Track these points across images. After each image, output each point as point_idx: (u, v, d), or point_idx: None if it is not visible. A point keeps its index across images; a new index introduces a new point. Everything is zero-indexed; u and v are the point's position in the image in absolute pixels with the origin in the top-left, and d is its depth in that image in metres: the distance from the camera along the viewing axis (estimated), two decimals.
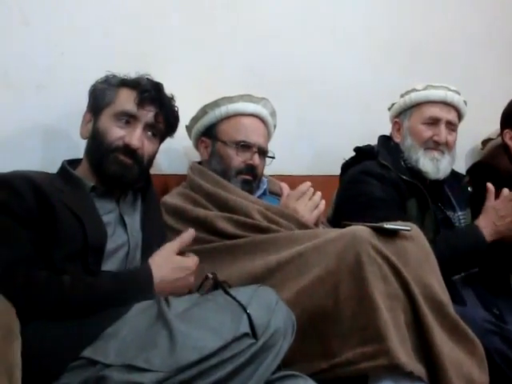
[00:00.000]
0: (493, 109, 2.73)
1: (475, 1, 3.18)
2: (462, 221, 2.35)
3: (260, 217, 1.93)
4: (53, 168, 1.82)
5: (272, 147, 2.21)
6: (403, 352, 1.57)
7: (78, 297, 1.50)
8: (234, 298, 1.43)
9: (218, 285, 1.52)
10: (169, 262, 1.62)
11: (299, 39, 2.63)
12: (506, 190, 2.15)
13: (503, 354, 1.82)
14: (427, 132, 2.32)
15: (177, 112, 1.89)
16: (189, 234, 1.68)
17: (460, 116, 2.39)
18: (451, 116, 2.34)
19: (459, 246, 2.10)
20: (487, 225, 2.12)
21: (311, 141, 2.64)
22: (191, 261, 1.66)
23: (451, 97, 2.32)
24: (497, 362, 1.80)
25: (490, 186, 2.17)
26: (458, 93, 2.35)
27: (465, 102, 2.37)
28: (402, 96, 2.39)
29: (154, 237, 1.79)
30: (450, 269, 1.86)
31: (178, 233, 1.78)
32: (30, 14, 2.00)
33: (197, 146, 2.22)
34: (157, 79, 1.86)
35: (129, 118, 1.77)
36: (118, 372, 1.30)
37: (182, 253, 1.67)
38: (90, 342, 1.38)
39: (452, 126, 2.35)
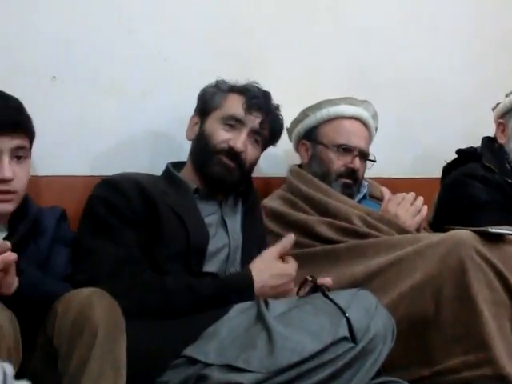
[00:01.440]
0: None
1: None
2: None
3: (360, 222, 1.92)
4: (158, 170, 1.88)
5: (373, 150, 2.19)
6: (509, 362, 1.52)
7: (179, 298, 1.54)
8: (333, 302, 1.43)
9: (317, 288, 1.53)
10: (269, 268, 1.62)
11: (401, 40, 2.58)
12: None
13: None
14: None
15: (282, 121, 1.92)
16: (289, 239, 1.68)
17: None
18: None
19: None
20: None
21: (413, 143, 2.59)
22: (291, 267, 1.66)
23: None
24: None
25: None
26: None
27: None
28: (507, 96, 2.30)
29: (254, 239, 1.81)
30: None
31: (277, 236, 1.80)
32: (134, 22, 2.06)
33: (297, 149, 2.23)
34: (258, 82, 1.89)
35: (235, 123, 1.80)
36: (218, 371, 1.33)
37: (281, 258, 1.67)
38: (191, 342, 1.42)
39: None
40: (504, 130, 2.30)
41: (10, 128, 1.47)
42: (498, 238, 1.67)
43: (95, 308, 1.26)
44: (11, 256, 1.28)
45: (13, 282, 1.31)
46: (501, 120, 2.32)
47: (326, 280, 1.58)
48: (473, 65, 2.72)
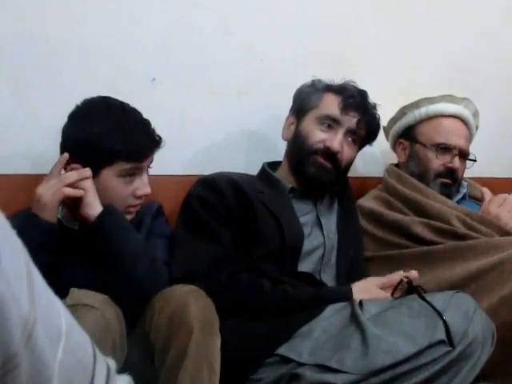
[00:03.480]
0: None
1: None
2: None
3: (459, 223, 1.87)
4: (253, 170, 1.90)
5: (473, 149, 2.13)
6: None
7: (275, 304, 1.55)
8: (430, 304, 1.41)
9: (413, 289, 1.50)
10: (370, 292, 1.59)
11: (503, 34, 2.49)
12: None
13: None
14: None
15: (378, 120, 1.90)
16: (398, 275, 1.60)
17: None
18: None
19: None
20: None
21: None
22: (388, 296, 1.59)
23: None
24: None
25: None
26: None
27: None
28: None
29: (349, 240, 1.80)
30: None
31: (373, 236, 1.78)
32: (232, 23, 2.10)
33: (394, 148, 2.20)
34: (354, 81, 1.87)
35: (331, 123, 1.80)
36: (311, 371, 1.34)
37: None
38: (285, 341, 1.43)
39: None
40: None
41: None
42: None
43: (191, 306, 1.30)
44: (87, 172, 1.45)
45: (94, 202, 1.46)
46: None
47: (411, 273, 1.55)
48: None
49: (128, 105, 1.59)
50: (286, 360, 1.40)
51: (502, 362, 1.53)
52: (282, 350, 1.42)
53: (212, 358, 1.29)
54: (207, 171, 1.85)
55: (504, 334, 1.52)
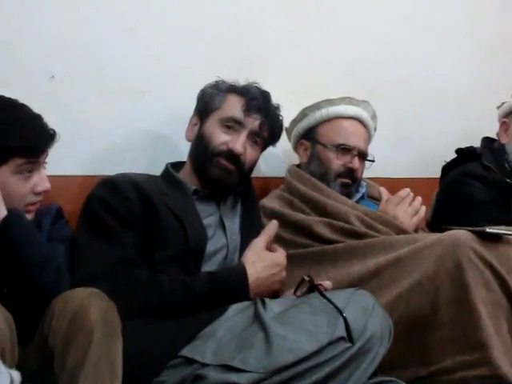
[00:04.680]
0: None
1: None
2: None
3: (358, 222, 1.92)
4: (156, 170, 1.89)
5: (372, 150, 2.19)
6: (506, 362, 1.53)
7: (176, 296, 1.55)
8: (330, 301, 1.43)
9: (314, 288, 1.53)
10: (261, 260, 1.64)
11: (400, 40, 2.59)
12: None
13: None
14: None
15: (281, 122, 1.92)
16: (272, 225, 1.70)
17: None
18: None
19: None
20: None
21: (411, 143, 2.59)
22: (281, 255, 1.69)
23: None
24: None
25: None
26: None
27: None
28: None
29: (252, 240, 1.81)
30: None
31: (275, 236, 1.80)
32: (133, 21, 2.07)
33: (296, 149, 2.23)
34: (258, 81, 1.89)
35: (234, 124, 1.81)
36: (215, 371, 1.34)
37: (269, 248, 1.70)
38: (188, 342, 1.43)
39: None
40: (507, 129, 2.30)
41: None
42: (496, 239, 1.66)
43: (91, 308, 1.27)
44: None
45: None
46: (505, 119, 2.32)
47: (326, 283, 1.59)
48: (472, 64, 2.72)
49: (17, 101, 1.53)
50: (190, 361, 1.39)
51: (399, 354, 1.58)
52: (186, 352, 1.41)
53: (114, 360, 1.26)
54: (108, 172, 1.82)
55: (400, 327, 1.58)
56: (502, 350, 1.53)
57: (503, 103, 2.34)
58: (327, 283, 1.59)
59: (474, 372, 1.52)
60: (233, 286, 1.59)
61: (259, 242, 1.69)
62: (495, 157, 2.27)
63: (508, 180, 2.18)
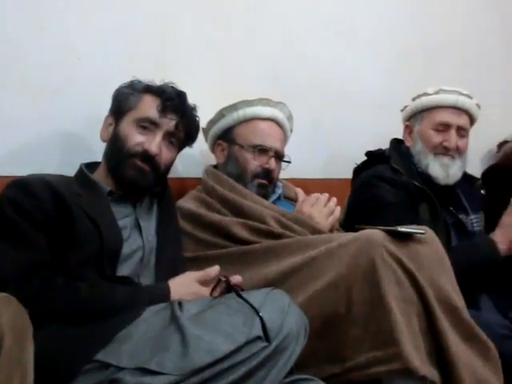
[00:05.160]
0: (509, 111, 2.72)
1: (489, 5, 3.16)
2: (475, 224, 2.33)
3: (274, 223, 1.94)
4: (70, 171, 1.84)
5: (288, 151, 2.22)
6: (417, 356, 1.57)
7: (93, 307, 1.52)
8: (247, 301, 1.44)
9: (231, 288, 1.53)
10: (187, 287, 1.61)
11: (315, 43, 2.63)
12: None
13: None
14: (437, 137, 2.29)
15: (198, 122, 1.91)
16: (214, 270, 1.65)
17: (472, 120, 2.34)
18: (462, 121, 2.30)
19: (475, 258, 2.09)
20: (503, 242, 2.10)
21: (326, 145, 2.64)
22: (207, 291, 1.62)
23: (462, 101, 2.28)
24: None
25: None
26: (470, 97, 2.31)
27: (478, 106, 2.33)
28: (413, 99, 2.37)
29: (168, 242, 1.81)
30: (464, 279, 1.84)
31: (192, 237, 1.80)
32: (46, 19, 2.02)
33: (213, 149, 2.23)
34: (174, 81, 1.87)
35: (150, 125, 1.79)
36: (131, 375, 1.32)
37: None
38: (103, 345, 1.40)
39: (463, 131, 2.31)
40: (411, 132, 2.38)
41: None
42: (407, 237, 1.72)
43: (1, 314, 1.22)
44: None
45: None
46: (408, 123, 2.39)
47: (235, 278, 1.59)
48: (383, 70, 2.80)
49: None
50: (105, 365, 1.37)
51: (315, 352, 1.61)
52: (101, 356, 1.38)
53: (25, 367, 1.22)
54: (19, 173, 1.77)
55: (316, 325, 1.60)
56: (412, 345, 1.57)
57: (405, 107, 2.41)
58: (237, 277, 1.60)
59: (387, 367, 1.56)
60: (154, 302, 1.54)
61: (194, 274, 1.65)
62: (403, 159, 2.33)
63: (415, 182, 2.23)
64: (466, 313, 1.71)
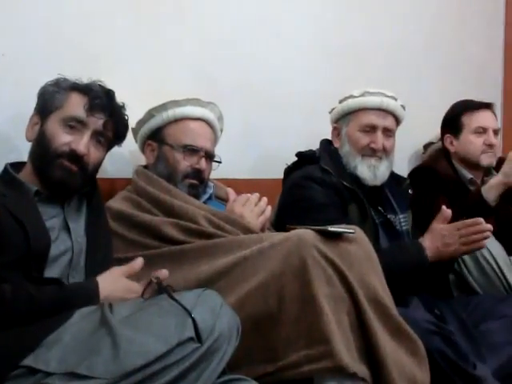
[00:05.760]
0: (436, 113, 2.80)
1: (416, 11, 3.25)
2: (403, 223, 2.38)
3: (206, 222, 1.93)
4: None
5: (218, 151, 2.21)
6: (347, 354, 1.59)
7: (19, 309, 1.47)
8: (179, 302, 1.43)
9: (162, 289, 1.52)
10: (116, 282, 1.59)
11: (246, 44, 2.64)
12: (447, 211, 2.16)
13: (443, 354, 1.86)
14: (364, 139, 2.32)
15: (127, 121, 1.89)
16: (138, 262, 1.65)
17: (398, 121, 2.39)
18: (388, 122, 2.34)
19: (403, 262, 2.12)
20: (431, 247, 2.13)
21: (257, 145, 2.65)
22: (138, 286, 1.61)
23: (387, 103, 2.32)
24: (437, 361, 1.83)
25: (444, 208, 2.17)
26: (395, 98, 2.35)
27: (403, 107, 2.38)
28: (340, 102, 2.40)
29: (98, 242, 1.77)
30: (392, 281, 1.88)
31: (123, 238, 1.77)
32: None
33: (143, 150, 2.21)
34: (103, 80, 1.84)
35: (77, 124, 1.75)
36: (60, 380, 1.29)
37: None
38: (31, 350, 1.36)
39: (389, 132, 2.35)
40: (338, 134, 2.41)
41: None
42: (337, 237, 1.74)
43: None
44: None
45: None
46: (335, 125, 2.43)
47: (162, 272, 1.58)
48: (312, 70, 2.83)
49: None
50: (33, 371, 1.33)
51: (248, 352, 1.61)
52: (29, 361, 1.34)
53: None
54: None
55: (249, 325, 1.60)
56: (343, 343, 1.60)
57: (333, 109, 2.44)
58: (163, 272, 1.59)
59: (319, 365, 1.58)
60: (83, 299, 1.52)
61: (119, 268, 1.63)
62: (332, 160, 2.35)
63: (345, 183, 2.27)
64: (394, 310, 1.74)
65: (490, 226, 2.10)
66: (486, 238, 2.12)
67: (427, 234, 2.17)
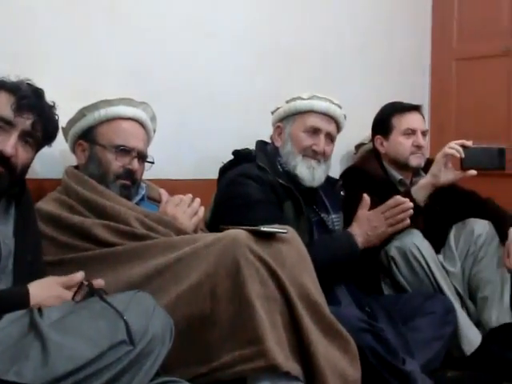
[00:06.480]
0: (367, 114, 2.85)
1: (347, 12, 3.32)
2: (336, 223, 2.45)
3: (138, 224, 1.91)
4: None
5: (152, 152, 2.20)
6: (280, 353, 1.61)
7: None
8: (111, 305, 1.41)
9: (94, 292, 1.50)
10: (49, 290, 1.55)
11: (179, 44, 2.62)
12: (367, 198, 2.25)
13: (374, 350, 1.90)
14: (307, 140, 2.38)
15: (57, 121, 1.84)
16: (79, 276, 1.59)
17: (339, 129, 2.46)
18: (331, 128, 2.41)
19: (335, 252, 2.21)
20: (360, 233, 2.23)
21: (192, 145, 2.65)
22: (71, 295, 1.56)
23: (334, 109, 2.39)
24: (368, 357, 1.87)
25: (365, 196, 2.26)
26: (340, 106, 2.43)
27: (344, 116, 2.45)
28: (287, 102, 2.44)
29: (27, 245, 1.73)
30: (325, 271, 1.93)
31: (53, 240, 1.73)
32: None
33: (73, 150, 2.17)
34: (31, 78, 1.80)
35: (4, 125, 1.69)
36: None
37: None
38: None
39: (331, 137, 2.42)
40: (281, 133, 2.45)
41: None
42: (270, 237, 1.76)
43: None
44: None
45: None
46: (279, 124, 2.46)
47: (97, 282, 1.56)
48: (248, 72, 2.85)
49: None
50: None
51: (182, 353, 1.61)
52: None
53: None
54: None
55: (183, 326, 1.60)
56: (276, 342, 1.61)
57: (278, 108, 2.48)
58: (99, 281, 1.57)
59: (252, 365, 1.59)
60: (11, 305, 1.47)
61: (56, 278, 1.59)
62: (268, 158, 2.40)
63: (280, 181, 2.31)
64: (326, 309, 1.77)
65: (411, 204, 2.21)
66: (409, 215, 2.21)
67: (354, 222, 2.27)
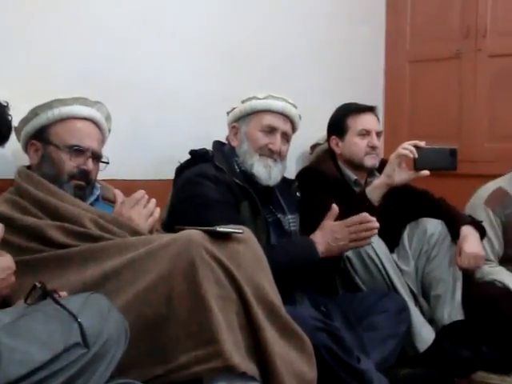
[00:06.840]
0: (323, 114, 2.88)
1: (302, 14, 3.34)
2: (292, 224, 2.47)
3: (93, 225, 1.89)
4: None
5: (106, 152, 2.17)
6: (236, 353, 1.61)
7: None
8: (64, 307, 1.39)
9: (47, 294, 1.47)
10: None
11: (136, 41, 2.60)
12: (335, 209, 2.26)
13: (330, 349, 1.92)
14: (263, 139, 2.40)
15: (10, 121, 1.81)
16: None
17: (294, 129, 2.50)
18: (287, 127, 2.44)
19: (294, 256, 2.22)
20: (322, 242, 2.24)
21: (147, 145, 2.63)
22: (7, 259, 1.57)
23: (289, 109, 2.43)
24: (324, 356, 1.89)
25: (334, 206, 2.27)
26: (295, 106, 2.45)
27: (299, 116, 2.48)
28: (242, 102, 2.46)
29: None
30: (283, 275, 1.93)
31: (4, 242, 1.69)
32: None
33: (26, 149, 2.13)
34: None
35: None
36: None
37: None
38: None
39: (286, 137, 2.45)
40: (237, 133, 2.46)
41: None
42: (226, 237, 1.76)
43: None
44: None
45: None
46: (235, 124, 2.47)
47: (62, 294, 1.54)
48: (205, 71, 2.84)
49: None
50: None
51: (137, 355, 1.60)
52: None
53: None
54: None
55: (138, 328, 1.59)
56: (232, 342, 1.61)
57: (233, 108, 2.48)
58: (63, 294, 1.55)
59: (208, 365, 1.58)
60: None
61: None
62: (225, 158, 2.41)
63: (237, 181, 2.32)
64: (282, 309, 1.78)
65: (377, 224, 2.21)
66: (373, 235, 2.24)
67: (318, 231, 2.27)
